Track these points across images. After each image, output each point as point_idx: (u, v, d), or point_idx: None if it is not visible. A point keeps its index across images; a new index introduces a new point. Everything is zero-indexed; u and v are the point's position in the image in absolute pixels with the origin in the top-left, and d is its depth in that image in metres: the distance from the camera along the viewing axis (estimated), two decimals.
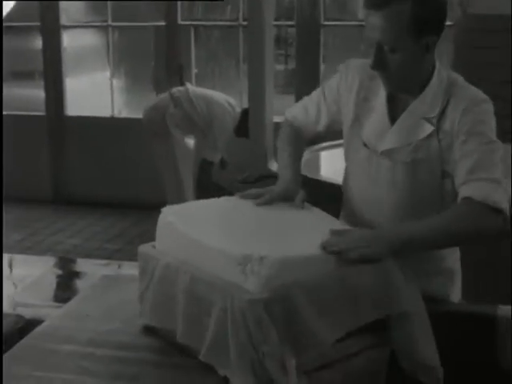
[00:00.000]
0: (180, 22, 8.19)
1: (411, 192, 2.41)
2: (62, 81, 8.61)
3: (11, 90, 8.43)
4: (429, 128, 2.37)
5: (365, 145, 2.50)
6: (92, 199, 8.32)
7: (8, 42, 7.81)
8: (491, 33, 6.48)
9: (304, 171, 4.72)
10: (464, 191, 2.26)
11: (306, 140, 2.78)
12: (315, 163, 5.29)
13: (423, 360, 2.18)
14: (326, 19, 7.78)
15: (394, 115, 2.45)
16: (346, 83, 2.56)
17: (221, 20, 8.57)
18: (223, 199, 2.51)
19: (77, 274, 3.39)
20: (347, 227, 2.35)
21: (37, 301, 2.83)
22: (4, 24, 7.67)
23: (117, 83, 8.79)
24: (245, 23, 7.60)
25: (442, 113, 2.36)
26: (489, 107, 2.37)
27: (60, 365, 2.12)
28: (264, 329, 1.88)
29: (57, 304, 2.79)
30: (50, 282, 3.21)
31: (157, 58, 8.59)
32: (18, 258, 3.39)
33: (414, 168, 2.40)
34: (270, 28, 6.52)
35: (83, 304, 2.57)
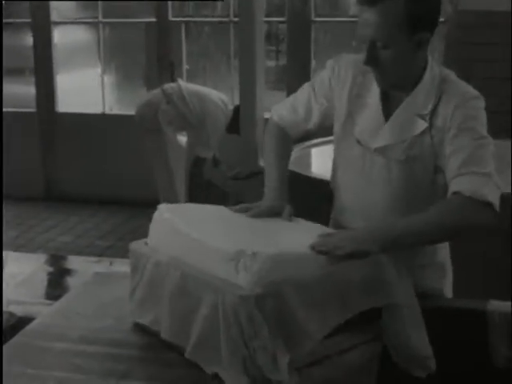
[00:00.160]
0: (171, 18, 8.18)
1: (405, 189, 2.41)
2: (53, 77, 8.59)
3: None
4: (422, 125, 2.37)
5: (358, 142, 2.50)
6: (83, 196, 8.30)
7: None
8: (483, 29, 6.49)
9: (295, 168, 4.77)
10: (454, 185, 2.26)
11: (293, 139, 2.76)
12: (306, 160, 5.29)
13: (416, 351, 2.20)
14: (317, 15, 7.78)
15: (387, 112, 2.45)
16: (339, 78, 2.54)
17: (212, 16, 8.56)
18: (217, 206, 2.54)
19: (68, 272, 3.38)
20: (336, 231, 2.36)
21: (28, 298, 2.82)
22: None
23: (108, 80, 8.78)
24: (236, 19, 7.59)
25: (434, 109, 2.37)
26: (480, 103, 2.37)
27: (52, 362, 2.12)
28: (255, 324, 1.88)
29: (48, 301, 2.79)
30: (42, 280, 3.21)
31: (148, 54, 8.58)
32: (10, 255, 3.38)
33: (408, 165, 2.40)
34: (260, 24, 6.52)
35: (75, 301, 2.57)
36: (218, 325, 1.93)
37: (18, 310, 2.56)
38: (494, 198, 2.24)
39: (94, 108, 8.57)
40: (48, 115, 8.57)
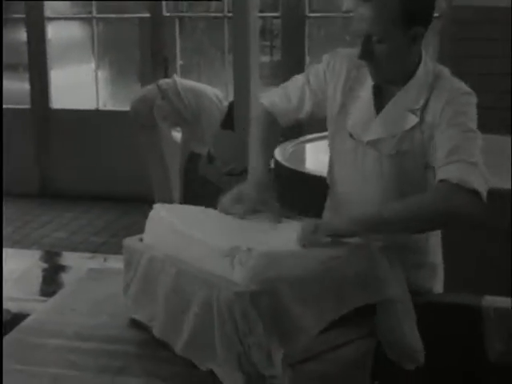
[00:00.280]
0: (165, 13, 8.17)
1: (397, 183, 2.41)
2: (47, 73, 8.57)
3: None
4: (413, 120, 2.38)
5: (350, 135, 2.51)
6: (77, 192, 8.29)
7: None
8: (478, 24, 6.49)
9: (289, 164, 4.77)
10: (441, 173, 2.25)
11: (282, 127, 2.73)
12: (301, 156, 5.29)
13: (408, 345, 2.21)
14: (311, 11, 7.77)
15: (380, 106, 2.46)
16: (334, 72, 2.55)
17: (206, 11, 8.54)
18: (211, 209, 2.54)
19: (63, 268, 3.38)
20: None
21: (23, 295, 2.82)
22: None
23: (102, 75, 8.76)
24: (230, 15, 7.58)
25: (426, 104, 2.37)
26: (471, 99, 2.37)
27: (47, 359, 2.12)
28: (250, 321, 1.88)
29: (43, 298, 2.79)
30: (36, 276, 3.21)
31: (142, 50, 8.56)
32: (5, 251, 3.37)
33: (399, 160, 2.40)
34: (255, 19, 6.51)
35: (69, 298, 2.57)
36: (213, 321, 1.93)
37: (13, 307, 2.56)
38: (482, 188, 2.21)
39: (88, 104, 8.56)
40: (42, 111, 8.55)
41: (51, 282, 3.21)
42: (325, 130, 2.67)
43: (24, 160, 8.33)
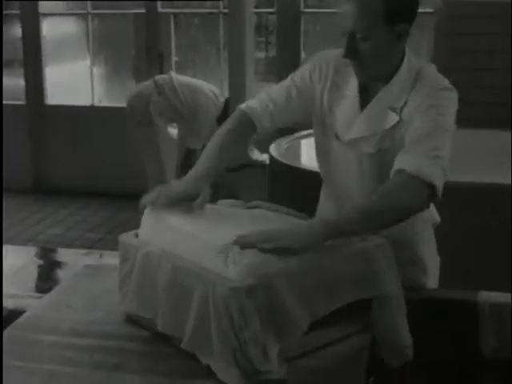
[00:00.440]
0: (160, 9, 8.16)
1: (379, 182, 2.35)
2: (42, 69, 8.56)
3: None
4: (394, 118, 2.37)
5: (336, 135, 2.50)
6: (72, 188, 8.29)
7: None
8: (471, 20, 6.50)
9: (285, 159, 4.77)
10: (400, 162, 2.23)
11: (258, 132, 2.59)
12: (296, 151, 5.29)
13: (401, 341, 2.21)
14: (307, 6, 7.77)
15: (365, 103, 2.45)
16: (321, 73, 2.54)
17: (201, 7, 8.54)
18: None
19: (58, 264, 3.37)
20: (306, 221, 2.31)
21: (18, 291, 2.81)
22: None
23: (97, 71, 8.75)
24: (225, 10, 7.58)
25: (406, 102, 2.36)
26: (449, 94, 2.35)
27: (42, 355, 2.12)
28: (246, 316, 1.88)
29: (38, 294, 2.78)
30: (32, 273, 3.20)
31: (137, 46, 8.55)
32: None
33: (380, 158, 2.39)
34: (250, 15, 6.52)
35: (65, 294, 2.57)
36: (209, 316, 1.93)
37: (9, 303, 2.56)
38: (438, 181, 2.20)
39: (83, 100, 8.55)
40: (37, 107, 8.54)
41: (47, 278, 3.20)
42: None
43: (19, 156, 8.33)
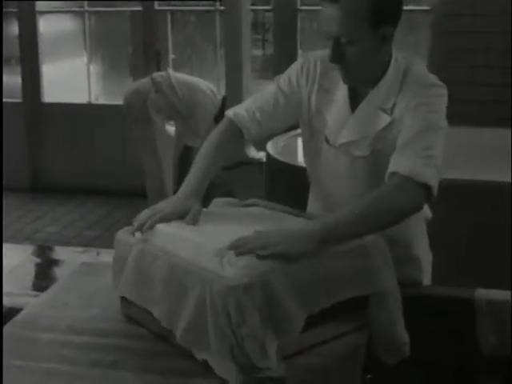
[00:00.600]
0: (157, 7, 8.15)
1: (373, 184, 2.32)
2: (39, 67, 8.55)
3: None
4: (386, 119, 2.36)
5: (326, 140, 2.50)
6: (70, 186, 8.28)
7: None
8: (468, 17, 6.50)
9: (281, 157, 4.77)
10: (393, 165, 2.23)
11: (245, 140, 2.59)
12: (292, 149, 5.29)
13: (398, 338, 2.22)
14: (303, 4, 7.76)
15: (355, 107, 2.44)
16: (308, 75, 2.53)
17: (198, 5, 8.53)
18: None
19: (55, 262, 3.37)
20: (305, 222, 2.30)
21: (16, 289, 2.81)
22: None
23: (94, 69, 8.74)
24: (222, 8, 7.58)
25: (395, 102, 2.36)
26: (438, 91, 2.35)
27: (40, 353, 2.12)
28: (244, 313, 1.89)
29: (35, 292, 2.78)
30: (29, 271, 3.20)
31: (134, 43, 8.55)
32: None
33: (373, 160, 2.39)
34: (247, 13, 6.52)
35: (62, 292, 2.57)
36: (206, 313, 1.93)
37: (6, 301, 2.56)
38: (433, 181, 2.19)
39: (80, 98, 8.54)
40: (34, 105, 8.53)
41: (44, 276, 3.20)
42: None
43: (16, 154, 8.31)
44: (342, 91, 2.46)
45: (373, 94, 2.39)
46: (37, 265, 3.33)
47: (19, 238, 6.84)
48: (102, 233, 6.95)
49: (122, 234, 2.33)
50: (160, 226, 2.24)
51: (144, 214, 2.30)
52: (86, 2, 8.43)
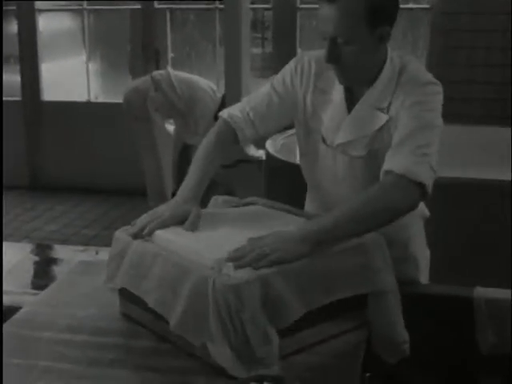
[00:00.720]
0: (156, 5, 8.15)
1: (369, 184, 2.29)
2: (38, 65, 8.55)
3: None
4: (383, 118, 2.36)
5: (323, 140, 2.49)
6: (68, 185, 8.28)
7: None
8: (467, 15, 6.50)
9: (280, 155, 4.77)
10: (388, 164, 2.22)
11: (240, 141, 2.58)
12: (292, 147, 5.28)
13: (397, 336, 2.22)
14: (303, 2, 7.76)
15: (352, 107, 2.43)
16: (302, 75, 2.52)
17: (197, 3, 8.52)
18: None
19: (54, 261, 3.37)
20: (302, 221, 2.30)
21: (14, 288, 2.81)
22: None
23: (93, 67, 8.74)
24: (221, 6, 7.57)
25: (391, 101, 2.35)
26: (433, 89, 2.34)
27: (38, 351, 2.12)
28: (243, 299, 1.89)
29: (34, 291, 2.78)
30: (27, 269, 3.19)
31: (133, 41, 8.54)
32: None
33: (371, 160, 2.38)
34: (246, 11, 6.51)
35: (61, 290, 2.57)
36: (203, 302, 1.93)
37: (5, 300, 2.55)
38: (428, 180, 2.18)
39: (79, 96, 8.54)
40: (33, 103, 8.53)
41: (43, 274, 3.19)
42: None
43: (15, 152, 8.32)
44: (337, 91, 2.45)
45: (369, 94, 2.39)
46: (35, 263, 3.32)
47: (18, 236, 6.84)
48: (100, 231, 6.95)
49: (121, 234, 2.33)
50: (159, 233, 2.23)
51: (143, 219, 2.29)
52: (85, 1, 8.42)
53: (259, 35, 8.78)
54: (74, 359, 2.06)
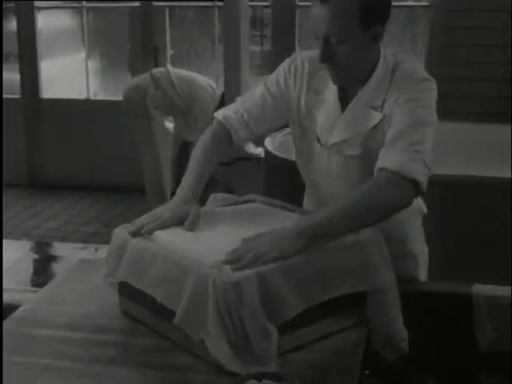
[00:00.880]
0: (155, 2, 8.14)
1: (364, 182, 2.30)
2: (37, 63, 8.54)
3: None
4: (377, 116, 2.35)
5: (317, 139, 2.50)
6: (68, 182, 8.28)
7: None
8: (467, 13, 6.50)
9: (279, 153, 4.77)
10: (381, 161, 2.22)
11: (235, 142, 2.58)
12: (290, 145, 5.29)
13: (396, 333, 2.22)
14: (302, 0, 7.76)
15: (346, 106, 2.43)
16: (296, 75, 2.52)
17: (196, 1, 8.51)
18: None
19: (54, 258, 3.37)
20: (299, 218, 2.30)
21: (14, 285, 2.81)
22: None
23: (92, 65, 8.74)
24: (220, 4, 7.57)
25: (385, 99, 2.35)
26: (427, 85, 2.33)
27: (38, 349, 2.12)
28: (242, 296, 1.90)
29: (34, 288, 2.78)
30: (27, 267, 3.19)
31: (132, 39, 8.54)
32: None
33: (365, 159, 2.38)
34: (245, 9, 6.51)
35: (60, 288, 2.57)
36: (204, 299, 1.93)
37: (5, 297, 2.55)
38: (421, 177, 2.18)
39: (79, 94, 8.54)
40: (32, 101, 8.53)
41: (42, 272, 3.20)
42: None
43: (14, 150, 8.31)
44: (331, 91, 2.45)
45: (362, 93, 2.39)
46: (35, 261, 3.33)
47: (18, 233, 6.84)
48: (100, 229, 6.95)
49: (120, 231, 2.33)
50: (158, 233, 2.23)
51: (142, 220, 2.30)
52: None
53: (258, 33, 8.78)
54: (74, 357, 2.06)
